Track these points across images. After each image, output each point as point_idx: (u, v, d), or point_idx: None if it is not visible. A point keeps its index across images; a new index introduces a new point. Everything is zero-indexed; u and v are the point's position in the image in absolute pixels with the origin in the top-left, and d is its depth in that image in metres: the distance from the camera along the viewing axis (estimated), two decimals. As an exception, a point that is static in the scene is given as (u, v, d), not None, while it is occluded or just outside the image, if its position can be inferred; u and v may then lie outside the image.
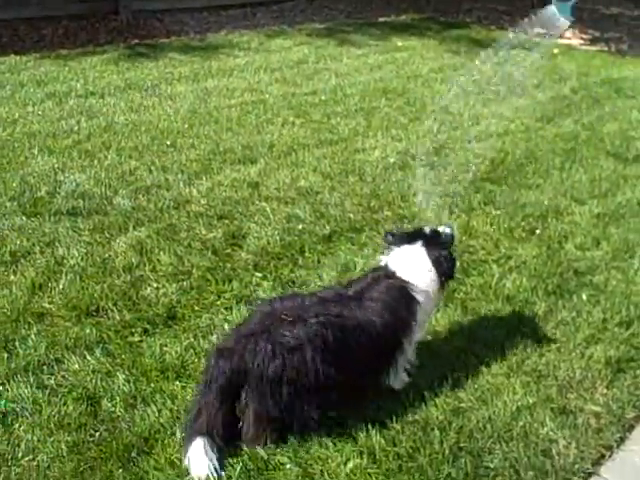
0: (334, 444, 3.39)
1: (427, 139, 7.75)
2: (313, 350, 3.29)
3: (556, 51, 12.50)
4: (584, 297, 4.72)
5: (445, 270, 3.78)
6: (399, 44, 12.83)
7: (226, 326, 4.27)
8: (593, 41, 13.59)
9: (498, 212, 5.93)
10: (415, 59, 11.81)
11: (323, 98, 9.37)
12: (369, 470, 3.25)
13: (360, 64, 11.43)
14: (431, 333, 4.25)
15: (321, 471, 3.24)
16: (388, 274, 3.70)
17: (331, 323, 3.38)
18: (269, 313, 3.46)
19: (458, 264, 4.85)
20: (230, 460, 3.28)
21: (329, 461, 3.30)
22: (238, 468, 3.24)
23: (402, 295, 3.63)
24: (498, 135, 7.97)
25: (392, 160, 7.08)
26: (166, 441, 3.37)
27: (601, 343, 4.26)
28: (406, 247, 3.80)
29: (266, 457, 3.31)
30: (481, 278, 4.90)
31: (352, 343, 3.44)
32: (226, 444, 3.31)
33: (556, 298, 4.71)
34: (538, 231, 5.61)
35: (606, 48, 13.31)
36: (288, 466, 3.27)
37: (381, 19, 14.70)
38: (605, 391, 3.86)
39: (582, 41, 13.61)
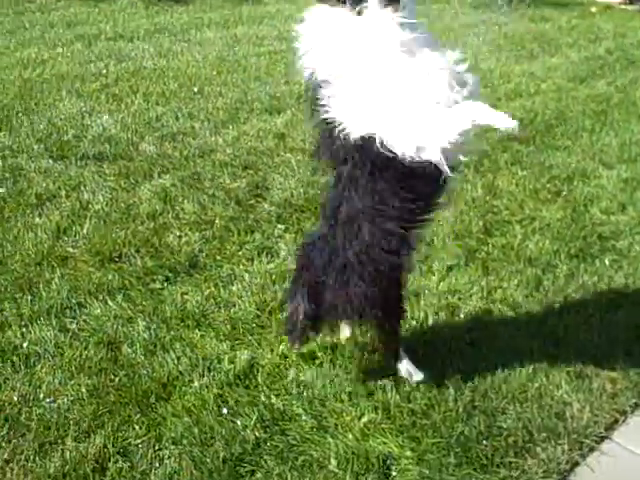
0: (349, 398, 3.42)
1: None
2: None
3: (594, 10, 12.26)
4: (607, 262, 4.69)
5: None
6: (432, -4, 12.63)
7: (247, 277, 4.30)
8: (632, 1, 13.27)
9: (524, 173, 5.87)
10: (448, 13, 11.63)
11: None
12: (383, 425, 3.27)
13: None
14: (450, 292, 4.24)
15: (335, 424, 3.27)
16: None
17: None
18: None
19: (481, 224, 4.87)
20: (246, 409, 3.32)
21: (344, 414, 3.33)
22: (254, 418, 3.28)
23: None
24: (529, 94, 7.85)
25: None
26: (184, 388, 3.42)
27: (621, 309, 4.23)
28: None
29: (282, 408, 3.35)
30: (504, 239, 4.87)
31: None
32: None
33: (578, 262, 4.67)
34: (564, 193, 5.55)
35: (646, 8, 13.00)
36: (303, 417, 3.31)
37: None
38: (622, 356, 3.85)
39: (621, 0, 13.30)
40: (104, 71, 7.88)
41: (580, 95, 7.90)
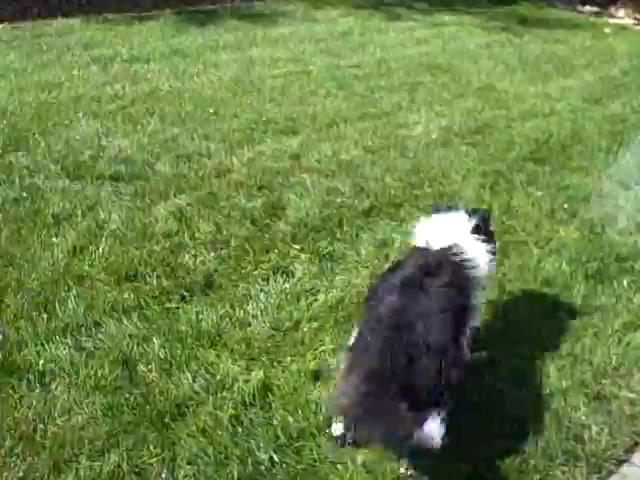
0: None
1: (471, 116, 7.66)
2: None
3: (608, 31, 12.28)
4: (625, 283, 4.65)
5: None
6: (446, 18, 12.68)
7: (262, 297, 4.29)
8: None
9: (540, 193, 5.86)
10: (462, 34, 11.70)
11: (367, 71, 9.32)
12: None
13: (406, 38, 11.34)
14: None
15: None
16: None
17: None
18: None
19: (497, 244, 4.84)
20: (260, 429, 3.30)
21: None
22: (268, 438, 3.25)
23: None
24: (544, 115, 7.86)
25: (434, 136, 7.03)
26: (199, 408, 3.41)
27: (640, 330, 4.21)
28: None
29: (297, 428, 3.32)
30: (520, 259, 4.85)
31: None
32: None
33: (596, 283, 4.64)
34: (580, 214, 5.52)
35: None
36: (318, 438, 3.27)
37: (429, -8, 14.54)
38: (642, 379, 3.81)
39: (636, 21, 13.31)
40: (120, 93, 7.93)
41: (595, 116, 7.89)
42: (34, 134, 6.60)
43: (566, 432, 3.41)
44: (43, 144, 6.37)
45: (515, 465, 3.20)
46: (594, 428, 3.44)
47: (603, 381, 3.77)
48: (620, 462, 3.33)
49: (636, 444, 3.45)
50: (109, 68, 8.88)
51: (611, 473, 3.28)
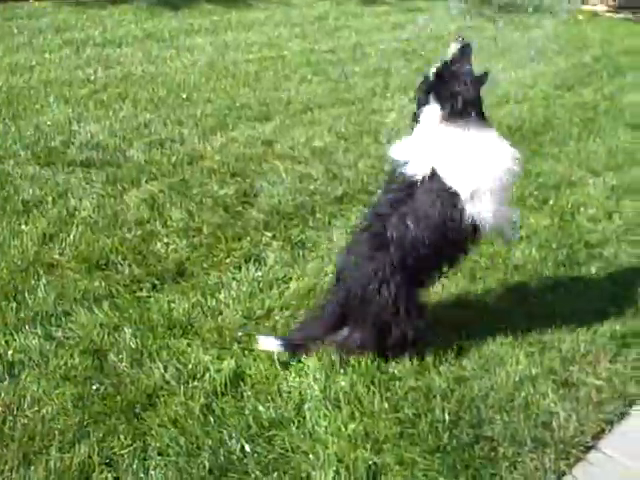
0: (337, 406, 3.40)
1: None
2: None
3: (580, 17, 12.33)
4: (593, 270, 4.71)
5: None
6: (421, 4, 12.67)
7: (234, 285, 4.28)
8: (619, 9, 13.36)
9: (511, 180, 5.87)
10: (437, 20, 11.66)
11: (342, 56, 9.30)
12: (371, 435, 3.26)
13: (381, 23, 11.33)
14: (437, 301, 4.24)
15: (324, 433, 3.25)
16: None
17: None
18: None
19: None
20: (232, 419, 3.30)
21: (331, 423, 3.30)
22: (240, 427, 3.26)
23: None
24: (516, 101, 7.89)
25: (408, 122, 7.00)
26: (170, 398, 3.40)
27: (608, 317, 4.24)
28: None
29: (269, 417, 3.32)
30: (490, 247, 4.87)
31: None
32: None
33: (565, 270, 4.69)
34: (551, 201, 5.57)
35: (632, 16, 13.08)
36: (290, 427, 3.28)
37: (404, -23, 14.50)
38: (608, 365, 3.85)
39: (608, 8, 13.37)
40: (92, 77, 7.86)
41: (567, 102, 7.95)
42: (4, 119, 6.53)
43: (535, 419, 3.44)
44: (13, 129, 6.30)
45: (484, 452, 3.23)
46: (562, 415, 3.48)
47: (571, 368, 3.81)
48: (587, 449, 3.37)
49: (603, 430, 3.49)
50: (81, 52, 8.80)
51: (579, 459, 3.30)
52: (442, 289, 4.34)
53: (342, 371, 3.59)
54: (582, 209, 5.47)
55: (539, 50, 9.94)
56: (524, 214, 5.34)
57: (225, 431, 3.24)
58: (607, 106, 7.85)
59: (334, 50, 9.57)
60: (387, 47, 9.86)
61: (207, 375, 3.54)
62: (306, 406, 3.39)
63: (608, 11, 13.14)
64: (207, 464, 3.06)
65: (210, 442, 3.17)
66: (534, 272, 4.63)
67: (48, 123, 6.47)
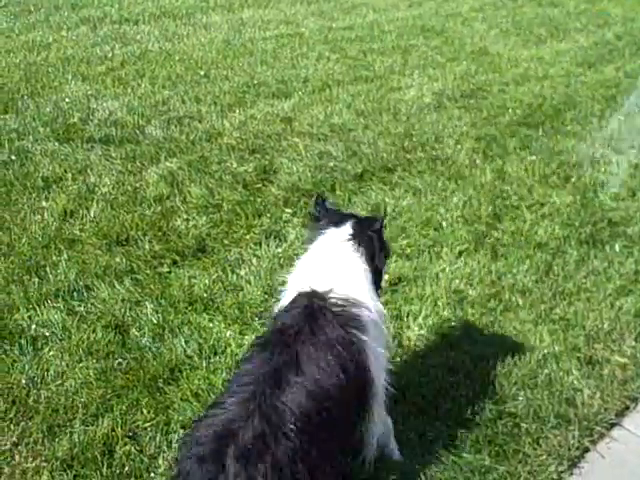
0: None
1: (464, 80, 7.61)
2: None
3: (602, -6, 12.18)
4: (617, 248, 4.65)
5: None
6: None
7: (254, 261, 4.27)
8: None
9: (533, 158, 5.83)
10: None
11: (360, 34, 9.23)
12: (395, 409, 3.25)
13: (398, 0, 11.20)
14: (459, 277, 4.21)
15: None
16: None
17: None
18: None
19: (490, 209, 4.84)
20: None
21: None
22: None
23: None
24: (537, 79, 7.80)
25: (427, 100, 6.97)
26: (192, 372, 3.40)
27: (632, 295, 4.20)
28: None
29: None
30: (513, 224, 4.84)
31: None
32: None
33: (588, 247, 4.64)
34: (573, 179, 5.51)
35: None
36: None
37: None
38: (633, 343, 3.81)
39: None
40: (110, 54, 7.84)
41: (589, 80, 7.85)
42: (23, 96, 6.53)
43: (558, 396, 3.42)
44: (32, 106, 6.30)
45: (507, 428, 3.21)
46: (586, 392, 3.46)
47: (595, 345, 3.78)
48: (611, 425, 3.35)
49: (627, 408, 3.46)
50: (98, 29, 8.78)
51: (602, 436, 3.29)
52: (464, 264, 4.31)
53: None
54: (605, 187, 5.40)
55: (559, 27, 9.86)
56: (547, 192, 5.29)
57: None
58: (629, 83, 7.75)
59: (352, 27, 9.50)
60: (404, 25, 9.78)
61: (228, 350, 3.54)
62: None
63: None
64: (230, 438, 3.05)
65: (233, 416, 3.16)
66: (557, 250, 4.58)
67: (66, 100, 6.46)
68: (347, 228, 2.97)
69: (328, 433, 2.51)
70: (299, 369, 2.50)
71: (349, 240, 2.91)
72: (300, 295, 2.76)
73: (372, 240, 2.94)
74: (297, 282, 2.85)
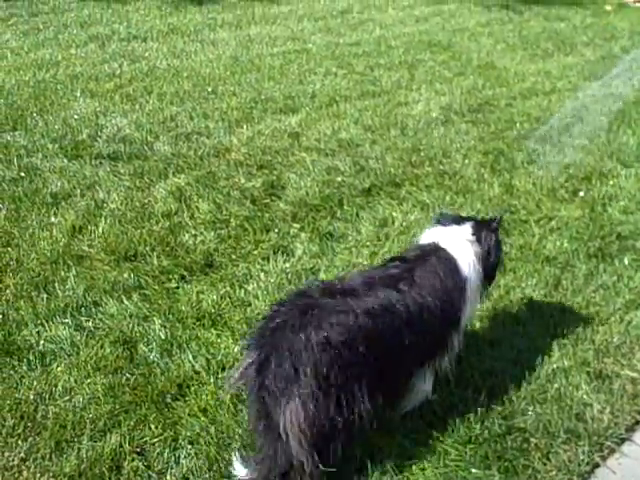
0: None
1: (471, 94, 7.62)
2: (362, 345, 2.80)
3: (608, 8, 12.20)
4: (626, 261, 4.64)
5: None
6: (445, -4, 12.59)
7: (262, 276, 4.27)
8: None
9: (541, 172, 5.82)
10: (461, 12, 11.59)
11: (366, 49, 9.26)
12: (402, 426, 3.23)
13: (405, 16, 11.26)
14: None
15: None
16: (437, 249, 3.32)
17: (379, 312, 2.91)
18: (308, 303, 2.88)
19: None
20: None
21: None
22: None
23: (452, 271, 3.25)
24: (544, 93, 7.81)
25: (435, 115, 6.98)
26: (200, 388, 3.40)
27: (642, 308, 4.19)
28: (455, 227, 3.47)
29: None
30: (521, 238, 4.83)
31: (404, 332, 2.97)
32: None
33: (597, 261, 4.62)
34: (581, 193, 5.50)
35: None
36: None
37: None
38: (643, 357, 3.80)
39: (636, -2, 13.22)
40: (118, 71, 7.88)
41: (596, 94, 7.84)
42: (32, 113, 6.57)
43: (568, 411, 3.40)
44: (41, 123, 6.34)
45: (516, 444, 3.19)
46: (596, 407, 3.43)
47: (605, 360, 3.76)
48: (622, 440, 3.32)
49: (637, 423, 3.44)
50: (107, 46, 8.83)
51: (613, 451, 3.27)
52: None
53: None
54: (614, 201, 5.39)
55: (566, 41, 9.87)
56: (555, 206, 5.28)
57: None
58: (637, 97, 7.74)
59: (359, 43, 9.53)
60: (411, 40, 9.80)
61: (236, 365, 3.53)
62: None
63: (636, 1, 12.96)
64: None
65: (240, 432, 3.16)
66: (566, 264, 4.57)
67: (75, 117, 6.50)
68: (467, 227, 3.44)
69: (420, 344, 3.05)
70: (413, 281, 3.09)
71: (471, 234, 3.40)
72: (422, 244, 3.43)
73: (489, 239, 3.42)
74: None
